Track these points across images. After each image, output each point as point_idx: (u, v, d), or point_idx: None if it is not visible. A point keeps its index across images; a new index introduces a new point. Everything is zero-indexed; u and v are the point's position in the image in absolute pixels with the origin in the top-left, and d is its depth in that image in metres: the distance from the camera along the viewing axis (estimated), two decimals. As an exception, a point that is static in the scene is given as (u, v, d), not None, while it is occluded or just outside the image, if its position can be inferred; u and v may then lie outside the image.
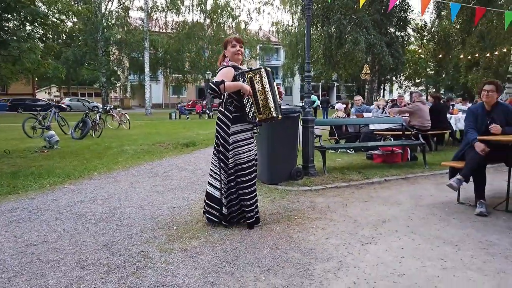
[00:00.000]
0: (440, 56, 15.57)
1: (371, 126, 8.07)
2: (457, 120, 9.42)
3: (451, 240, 3.28)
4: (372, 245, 3.20)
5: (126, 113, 16.70)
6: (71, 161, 7.32)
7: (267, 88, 3.48)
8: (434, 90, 35.43)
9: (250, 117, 3.51)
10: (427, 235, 3.43)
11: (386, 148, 6.74)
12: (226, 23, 35.09)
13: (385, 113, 9.28)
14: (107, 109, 16.48)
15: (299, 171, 5.47)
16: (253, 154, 3.65)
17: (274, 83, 3.64)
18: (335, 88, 52.18)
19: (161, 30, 35.26)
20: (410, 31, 15.63)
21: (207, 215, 3.71)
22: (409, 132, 6.91)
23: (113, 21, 32.65)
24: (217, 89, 3.39)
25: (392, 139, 7.33)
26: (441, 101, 8.85)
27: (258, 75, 3.48)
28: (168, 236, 3.38)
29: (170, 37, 34.06)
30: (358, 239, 3.34)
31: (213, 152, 3.70)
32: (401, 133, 7.17)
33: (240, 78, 3.51)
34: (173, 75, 37.40)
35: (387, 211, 4.18)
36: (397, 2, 11.36)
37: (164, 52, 34.37)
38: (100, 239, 3.33)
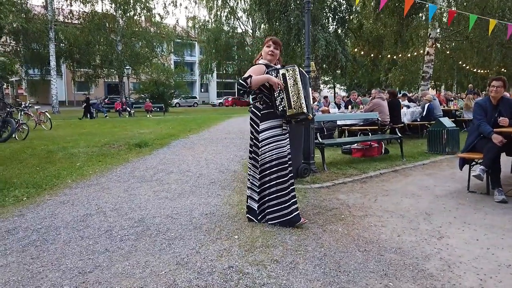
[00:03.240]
0: (372, 55, 16.87)
1: (339, 122, 8.33)
2: (403, 114, 10.17)
3: (506, 228, 3.48)
4: (446, 238, 3.24)
5: (46, 111, 14.85)
6: (18, 168, 6.24)
7: (299, 84, 3.44)
8: (344, 87, 38.04)
9: (279, 110, 3.44)
10: (480, 224, 3.59)
11: (365, 142, 6.98)
12: (140, 15, 33.23)
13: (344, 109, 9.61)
14: (22, 107, 14.48)
15: (306, 168, 5.36)
16: (284, 151, 3.56)
17: (309, 85, 3.76)
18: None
19: (65, 20, 32.07)
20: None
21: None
22: (384, 127, 7.25)
23: (8, 7, 28.67)
24: (244, 84, 3.31)
25: (370, 133, 7.63)
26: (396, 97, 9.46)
27: (291, 72, 3.45)
28: (239, 247, 3.02)
29: (77, 28, 31.14)
30: (428, 233, 3.36)
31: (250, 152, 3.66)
32: (376, 127, 7.50)
33: (272, 73, 3.44)
34: (82, 69, 34.32)
35: (417, 204, 4.30)
36: (342, 1, 12.03)
37: (71, 45, 31.30)
38: (164, 257, 2.84)
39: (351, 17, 12.12)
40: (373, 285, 2.44)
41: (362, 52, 16.23)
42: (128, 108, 25.75)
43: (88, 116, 22.83)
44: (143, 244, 3.10)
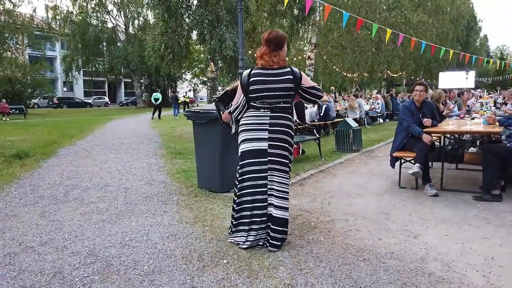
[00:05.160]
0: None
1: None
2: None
3: (457, 221, 3.79)
4: (420, 237, 3.37)
5: None
6: None
7: None
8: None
9: None
10: (435, 219, 3.84)
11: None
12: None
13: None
14: None
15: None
16: None
17: None
18: (123, 84, 49.58)
19: None
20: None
21: (279, 242, 3.08)
22: (303, 127, 7.41)
23: None
24: None
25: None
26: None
27: None
28: (237, 274, 2.64)
29: None
30: (402, 234, 3.45)
31: (278, 168, 3.08)
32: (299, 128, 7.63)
33: None
34: None
35: (368, 203, 4.43)
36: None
37: None
38: (158, 301, 2.30)
39: (246, 19, 12.21)
40: (402, 297, 2.36)
41: (255, 55, 16.55)
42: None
43: None
44: (117, 286, 2.47)
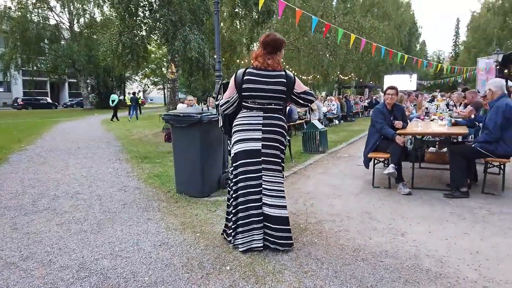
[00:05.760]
0: (224, 58, 17.06)
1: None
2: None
3: (436, 218, 3.99)
4: (407, 235, 3.51)
5: None
6: None
7: None
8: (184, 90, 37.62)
9: None
10: (415, 216, 4.02)
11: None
12: None
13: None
14: None
15: (228, 177, 5.04)
16: None
17: None
18: (67, 85, 47.04)
19: None
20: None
21: (285, 241, 3.10)
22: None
23: None
24: None
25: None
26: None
27: None
28: (244, 280, 2.61)
29: None
30: (389, 232, 3.58)
31: (271, 168, 3.11)
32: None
33: None
34: None
35: (349, 204, 4.55)
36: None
37: None
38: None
39: (206, 20, 12.02)
40: (409, 295, 2.45)
41: (251, 55, 16.40)
42: None
43: None
44: (122, 301, 2.35)
